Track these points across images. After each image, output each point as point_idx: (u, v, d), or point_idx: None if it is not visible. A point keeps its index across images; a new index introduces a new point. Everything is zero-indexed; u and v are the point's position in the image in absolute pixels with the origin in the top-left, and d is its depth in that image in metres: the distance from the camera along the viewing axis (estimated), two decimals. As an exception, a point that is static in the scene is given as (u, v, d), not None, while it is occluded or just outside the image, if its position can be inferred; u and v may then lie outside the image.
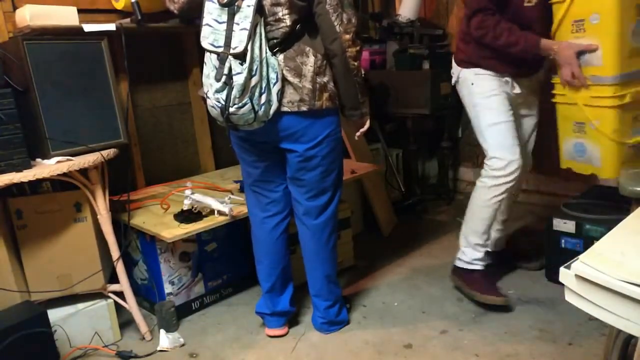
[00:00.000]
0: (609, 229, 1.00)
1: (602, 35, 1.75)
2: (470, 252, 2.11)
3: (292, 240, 2.00)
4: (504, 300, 2.01)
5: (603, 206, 2.18)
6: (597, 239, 1.04)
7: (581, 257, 0.88)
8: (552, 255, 2.22)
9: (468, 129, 3.46)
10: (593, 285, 0.84)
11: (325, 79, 1.67)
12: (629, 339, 1.04)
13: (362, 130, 1.85)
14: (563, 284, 0.90)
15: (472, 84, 2.05)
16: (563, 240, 2.17)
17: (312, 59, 1.64)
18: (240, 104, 1.51)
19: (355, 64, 1.65)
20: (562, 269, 0.89)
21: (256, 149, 1.77)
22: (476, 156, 3.47)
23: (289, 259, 1.98)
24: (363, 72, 1.72)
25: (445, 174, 3.55)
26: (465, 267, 2.13)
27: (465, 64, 2.07)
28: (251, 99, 1.52)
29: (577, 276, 0.86)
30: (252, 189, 1.88)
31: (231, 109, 1.52)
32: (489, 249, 2.16)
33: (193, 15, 1.81)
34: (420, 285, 2.31)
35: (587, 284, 0.85)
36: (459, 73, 2.10)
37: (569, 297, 0.89)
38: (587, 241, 2.07)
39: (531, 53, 1.90)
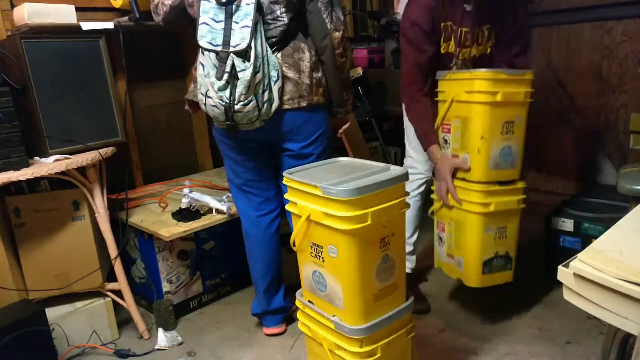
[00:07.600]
0: (608, 227, 1.00)
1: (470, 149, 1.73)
2: None
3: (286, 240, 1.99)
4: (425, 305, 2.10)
5: (602, 205, 2.18)
6: (596, 237, 1.03)
7: (580, 255, 0.88)
8: (551, 254, 2.22)
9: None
10: (592, 284, 0.84)
11: (319, 75, 1.70)
12: (628, 337, 1.04)
13: (344, 127, 1.91)
14: (562, 283, 0.90)
15: None
16: (562, 239, 2.17)
17: (307, 55, 1.66)
18: (246, 101, 1.51)
19: (342, 61, 1.70)
20: (560, 268, 0.89)
21: (247, 149, 1.76)
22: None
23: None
24: (361, 72, 1.73)
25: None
26: None
27: None
28: (256, 96, 1.53)
29: (576, 275, 0.86)
30: (243, 189, 1.87)
31: (237, 107, 1.51)
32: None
33: (179, 24, 1.80)
34: (419, 284, 2.31)
35: (585, 282, 0.85)
36: None
37: (567, 296, 0.89)
38: (586, 240, 2.07)
39: (421, 144, 1.91)
